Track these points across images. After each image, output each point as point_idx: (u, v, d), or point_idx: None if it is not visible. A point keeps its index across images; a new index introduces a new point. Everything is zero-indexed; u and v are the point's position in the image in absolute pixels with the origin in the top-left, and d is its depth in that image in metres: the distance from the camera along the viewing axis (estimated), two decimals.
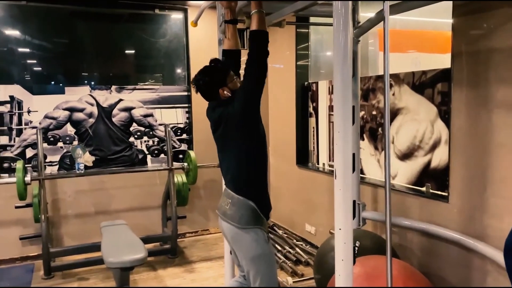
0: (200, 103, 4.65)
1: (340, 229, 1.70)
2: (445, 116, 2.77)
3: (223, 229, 2.31)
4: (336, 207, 1.73)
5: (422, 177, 3.01)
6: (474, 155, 2.50)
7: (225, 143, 2.27)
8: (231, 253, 2.71)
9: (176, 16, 4.67)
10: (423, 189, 2.99)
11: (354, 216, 1.77)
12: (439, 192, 2.86)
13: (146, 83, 4.66)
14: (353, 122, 1.95)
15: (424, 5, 2.60)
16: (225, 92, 2.22)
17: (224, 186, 2.37)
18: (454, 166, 2.65)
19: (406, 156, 3.13)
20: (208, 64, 2.31)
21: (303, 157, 4.50)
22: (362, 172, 3.52)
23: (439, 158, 2.86)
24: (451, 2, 2.59)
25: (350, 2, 1.68)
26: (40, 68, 4.30)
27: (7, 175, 4.05)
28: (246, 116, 2.15)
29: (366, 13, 3.17)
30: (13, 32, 4.10)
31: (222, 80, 2.22)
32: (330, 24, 1.74)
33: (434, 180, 2.91)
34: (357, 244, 2.67)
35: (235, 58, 2.43)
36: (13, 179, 3.63)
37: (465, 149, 2.55)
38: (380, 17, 2.70)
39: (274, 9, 2.81)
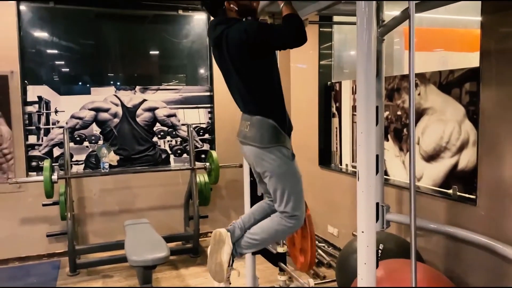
0: (222, 103, 4.73)
1: (362, 232, 1.67)
2: (473, 116, 2.69)
3: (245, 154, 2.24)
4: (358, 210, 1.69)
5: (449, 179, 2.93)
6: (503, 157, 2.42)
7: (230, 68, 2.13)
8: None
9: (199, 17, 4.69)
10: (450, 191, 2.91)
11: (377, 219, 1.74)
12: (466, 195, 2.78)
13: (169, 84, 4.71)
14: (377, 123, 1.92)
15: (450, 3, 2.54)
16: (231, 5, 2.12)
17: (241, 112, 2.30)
18: (482, 168, 2.57)
19: (432, 157, 3.05)
20: None
21: (326, 158, 4.45)
22: (386, 173, 3.45)
23: (466, 159, 2.77)
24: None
25: (374, 1, 1.65)
26: (67, 69, 4.40)
27: (35, 173, 4.17)
28: (247, 47, 2.02)
29: (391, 11, 3.11)
30: (41, 34, 4.21)
31: None
32: (354, 23, 1.71)
33: (461, 182, 2.83)
34: (380, 247, 2.62)
35: None
36: (41, 178, 3.72)
37: (494, 151, 2.47)
38: (405, 16, 2.64)
39: (297, 8, 2.79)
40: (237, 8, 2.13)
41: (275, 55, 2.18)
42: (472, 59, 2.96)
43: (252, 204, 2.75)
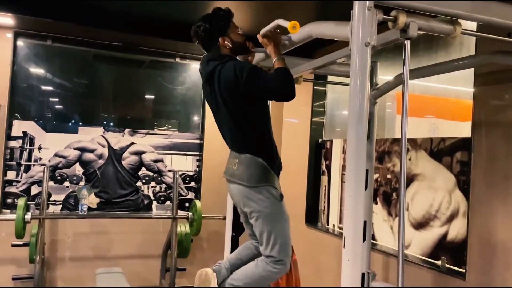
0: (211, 152, 4.65)
1: None
2: (464, 186, 2.64)
3: (232, 192, 2.15)
4: (343, 279, 1.58)
5: (438, 250, 2.82)
6: (494, 230, 2.34)
7: (221, 106, 2.10)
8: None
9: (196, 66, 4.73)
10: (439, 262, 2.79)
11: None
12: (455, 268, 2.66)
13: (160, 129, 4.66)
14: (366, 187, 1.84)
15: (443, 72, 2.56)
16: (225, 42, 2.10)
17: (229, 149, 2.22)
18: (472, 240, 2.48)
19: (421, 225, 2.96)
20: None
21: (313, 216, 4.33)
22: (373, 238, 3.34)
23: (456, 230, 2.69)
24: (473, 71, 2.54)
25: (368, 64, 1.64)
26: (56, 106, 4.35)
27: (9, 211, 3.98)
28: (238, 87, 2.00)
29: (384, 76, 3.14)
30: (34, 70, 4.18)
31: (223, 28, 2.11)
32: (347, 84, 1.69)
33: (450, 254, 2.72)
34: None
35: None
36: (13, 216, 3.54)
37: (485, 224, 2.40)
38: (398, 81, 2.65)
39: (291, 65, 2.80)
40: (231, 46, 2.14)
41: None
42: (462, 128, 2.96)
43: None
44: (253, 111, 2.10)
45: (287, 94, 1.98)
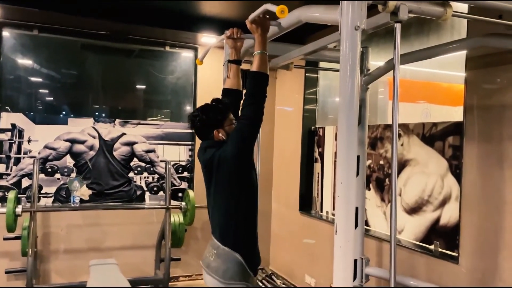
0: None
1: None
2: (456, 171, 2.64)
3: (206, 282, 2.12)
4: (335, 266, 1.57)
5: (431, 234, 2.83)
6: (486, 214, 2.34)
7: (214, 188, 2.14)
8: None
9: (186, 54, 4.68)
10: (431, 247, 2.80)
11: (355, 278, 1.61)
12: (448, 252, 2.68)
13: (151, 119, 4.61)
14: (358, 173, 1.83)
15: (434, 56, 2.54)
16: (220, 134, 2.13)
17: (211, 235, 2.21)
18: (464, 224, 2.48)
19: (413, 210, 2.97)
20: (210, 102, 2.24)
21: (307, 203, 4.33)
22: (367, 223, 3.34)
23: (449, 215, 2.69)
24: (464, 55, 2.52)
25: (358, 50, 1.61)
26: (45, 98, 4.29)
27: (0, 204, 3.94)
28: (237, 160, 2.03)
29: (377, 62, 3.11)
30: (22, 61, 4.11)
31: (220, 122, 2.13)
32: (338, 70, 1.66)
33: (443, 238, 2.73)
34: None
35: (235, 97, 2.35)
36: (4, 210, 3.50)
37: (477, 208, 2.40)
38: (389, 66, 2.63)
39: (282, 51, 2.77)
40: (224, 138, 2.15)
41: (256, 179, 2.18)
42: (454, 113, 2.95)
43: None
44: (243, 201, 2.09)
45: (263, 99, 2.06)
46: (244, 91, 2.18)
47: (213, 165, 2.10)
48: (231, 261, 2.01)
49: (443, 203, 2.74)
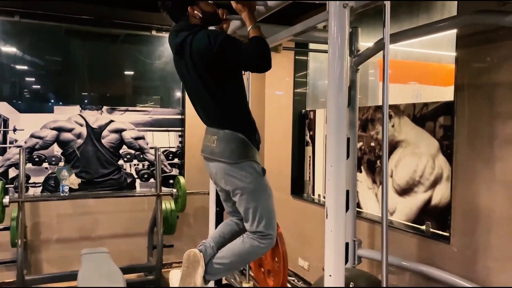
0: (194, 127, 4.56)
1: (330, 275, 1.52)
2: (447, 151, 2.62)
3: (211, 171, 2.09)
4: (326, 250, 1.56)
5: (422, 215, 2.83)
6: (478, 193, 2.34)
7: (195, 79, 2.02)
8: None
9: None
10: (423, 227, 2.81)
11: (346, 261, 1.60)
12: (439, 232, 2.68)
13: (140, 105, 4.54)
14: (348, 156, 1.80)
15: (425, 35, 2.50)
16: (195, 11, 2.02)
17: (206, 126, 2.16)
18: (456, 204, 2.48)
19: (405, 191, 2.96)
20: None
21: (298, 187, 4.32)
22: (359, 206, 3.34)
23: (440, 195, 2.69)
24: (455, 34, 2.49)
25: (346, 29, 1.57)
26: (30, 86, 4.19)
27: None
28: (214, 58, 1.91)
29: (367, 43, 3.07)
30: (4, 48, 3.99)
31: None
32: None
33: (434, 218, 2.74)
34: (351, 285, 2.47)
35: None
36: None
37: (468, 187, 2.39)
38: (379, 46, 2.59)
39: (270, 33, 2.71)
40: (201, 15, 2.04)
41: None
42: (445, 93, 2.93)
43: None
44: (229, 83, 2.01)
45: (263, 65, 1.92)
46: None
47: (186, 51, 1.99)
48: (235, 142, 1.98)
49: (434, 183, 2.74)
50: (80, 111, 4.18)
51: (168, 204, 4.12)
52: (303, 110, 4.31)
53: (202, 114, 2.14)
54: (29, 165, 3.99)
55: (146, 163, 4.46)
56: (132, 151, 4.39)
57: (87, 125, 4.20)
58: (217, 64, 1.95)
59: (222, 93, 2.00)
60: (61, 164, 4.10)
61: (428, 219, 2.78)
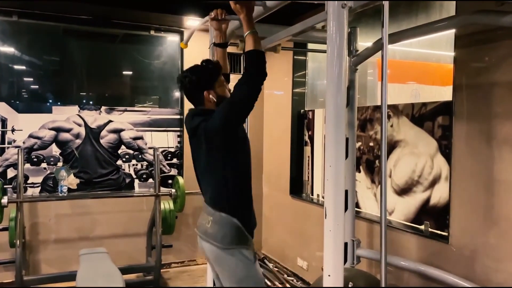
0: None
1: (329, 275, 1.52)
2: (445, 151, 2.63)
3: (204, 250, 2.09)
4: (325, 250, 1.55)
5: (421, 215, 2.84)
6: (476, 193, 2.35)
7: (204, 158, 2.07)
8: (214, 284, 2.50)
9: (171, 38, 4.58)
10: (422, 227, 2.81)
11: (345, 261, 1.60)
12: (438, 232, 2.69)
13: (139, 105, 4.53)
14: (347, 156, 1.80)
15: (423, 35, 2.50)
16: (210, 96, 2.06)
17: (204, 203, 2.17)
18: (454, 204, 2.49)
19: (404, 191, 2.97)
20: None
21: (297, 187, 4.32)
22: (358, 205, 3.34)
23: (439, 195, 2.69)
24: (453, 34, 2.49)
25: (345, 29, 1.57)
26: (28, 86, 4.18)
27: None
28: (225, 133, 1.96)
29: (366, 43, 3.07)
30: (2, 48, 3.98)
31: (210, 82, 2.06)
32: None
33: (433, 218, 2.74)
34: (350, 285, 2.47)
35: None
36: None
37: (467, 187, 2.40)
38: (378, 46, 2.58)
39: (269, 33, 2.71)
40: (215, 100, 2.08)
41: (248, 144, 2.12)
42: (444, 93, 2.93)
43: None
44: (235, 166, 2.04)
45: (263, 79, 1.99)
46: (237, 75, 2.13)
47: (199, 134, 2.04)
48: (229, 226, 1.98)
49: (433, 183, 2.74)
50: (79, 111, 4.18)
51: (166, 204, 4.12)
52: (302, 110, 4.31)
53: (205, 191, 2.17)
54: (28, 165, 3.99)
55: (145, 163, 4.45)
56: (131, 151, 4.38)
57: (86, 125, 4.19)
58: (228, 129, 1.97)
59: (227, 176, 2.02)
60: (60, 164, 4.10)
61: (426, 219, 2.78)
